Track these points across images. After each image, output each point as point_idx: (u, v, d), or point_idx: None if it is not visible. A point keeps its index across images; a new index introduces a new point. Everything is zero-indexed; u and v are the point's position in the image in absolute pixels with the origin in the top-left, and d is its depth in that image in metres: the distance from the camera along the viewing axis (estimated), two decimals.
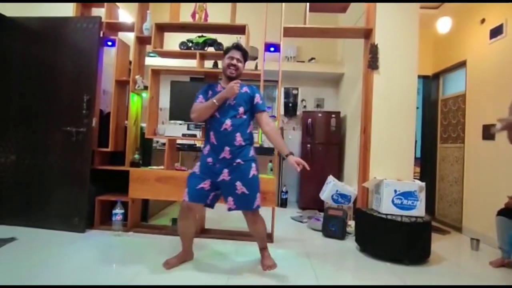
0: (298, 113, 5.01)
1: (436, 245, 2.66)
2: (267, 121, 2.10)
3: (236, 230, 2.91)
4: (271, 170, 2.92)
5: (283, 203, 4.40)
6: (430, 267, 2.37)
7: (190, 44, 3.08)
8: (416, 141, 4.68)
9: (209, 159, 2.03)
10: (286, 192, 4.43)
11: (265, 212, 2.72)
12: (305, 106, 5.05)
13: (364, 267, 2.32)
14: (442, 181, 4.01)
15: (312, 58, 4.93)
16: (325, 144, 4.42)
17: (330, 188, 3.37)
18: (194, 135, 3.29)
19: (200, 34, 3.15)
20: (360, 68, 3.32)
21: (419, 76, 4.37)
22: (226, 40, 3.15)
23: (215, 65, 3.30)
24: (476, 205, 3.28)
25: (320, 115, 4.49)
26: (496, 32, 3.15)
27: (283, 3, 2.97)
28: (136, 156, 2.90)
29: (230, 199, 1.99)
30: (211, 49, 3.05)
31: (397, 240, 2.36)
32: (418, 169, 4.48)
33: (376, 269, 2.27)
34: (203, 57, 3.06)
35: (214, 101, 1.97)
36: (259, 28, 3.01)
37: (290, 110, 5.05)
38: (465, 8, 3.58)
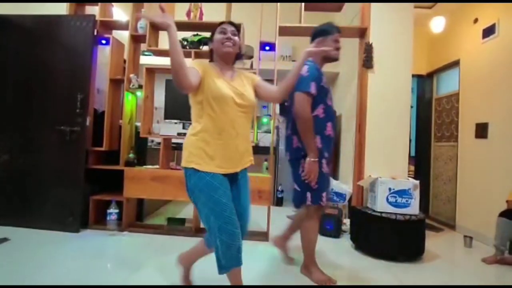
0: None
1: (430, 243, 2.68)
2: None
3: None
4: (267, 169, 2.92)
5: (279, 202, 4.40)
6: (424, 264, 2.39)
7: (185, 43, 3.07)
8: (410, 140, 4.74)
9: (326, 154, 1.89)
10: (282, 191, 4.43)
11: (260, 211, 2.73)
12: None
13: (359, 265, 2.34)
14: (436, 180, 4.05)
15: None
16: None
17: None
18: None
19: (195, 33, 3.15)
20: (355, 67, 3.33)
21: (413, 75, 4.40)
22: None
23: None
24: (469, 203, 3.32)
25: None
26: (488, 31, 3.18)
27: (278, 3, 2.97)
28: (131, 155, 2.88)
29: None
30: (206, 48, 3.04)
31: (391, 237, 2.38)
32: (412, 168, 4.52)
33: (371, 267, 2.29)
34: (198, 56, 3.06)
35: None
36: (255, 27, 3.01)
37: (285, 109, 5.05)
38: (458, 8, 3.62)
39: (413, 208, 2.46)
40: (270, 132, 4.84)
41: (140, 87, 2.94)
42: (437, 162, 4.04)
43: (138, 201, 3.11)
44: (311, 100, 1.79)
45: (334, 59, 1.94)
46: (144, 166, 2.94)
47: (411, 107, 4.76)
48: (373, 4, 2.98)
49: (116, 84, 3.03)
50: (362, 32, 3.06)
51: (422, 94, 4.40)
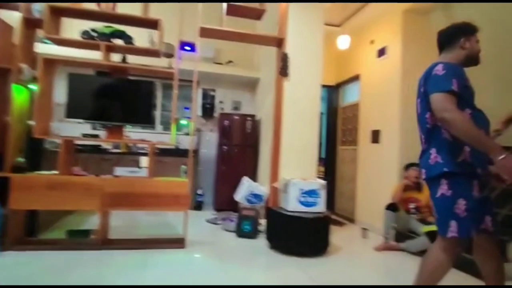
0: (215, 115, 5.02)
1: (334, 237, 3.00)
2: None
3: (145, 238, 2.73)
4: (185, 172, 2.83)
5: (198, 206, 4.33)
6: (329, 257, 2.66)
7: (95, 34, 2.77)
8: (321, 144, 5.22)
9: (479, 170, 1.45)
10: (202, 194, 4.37)
11: (177, 216, 2.63)
12: (222, 108, 5.08)
13: (273, 263, 2.46)
14: (341, 179, 4.56)
15: (230, 61, 5.00)
16: (241, 146, 4.53)
17: (244, 189, 3.47)
18: (96, 136, 2.93)
19: (107, 24, 2.86)
20: (274, 74, 3.51)
21: (325, 86, 4.90)
22: (137, 33, 2.95)
23: (124, 60, 3.03)
24: (366, 199, 3.83)
25: (236, 117, 4.58)
26: (381, 52, 3.74)
27: (200, 3, 2.93)
28: (20, 159, 2.44)
29: (488, 219, 1.48)
30: (119, 41, 2.80)
31: (301, 235, 2.57)
32: (323, 169, 5.00)
33: (283, 264, 2.43)
34: (110, 49, 2.79)
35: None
36: (176, 25, 2.90)
37: (207, 111, 5.01)
38: (360, 29, 4.16)
39: (320, 206, 2.71)
40: (189, 134, 4.75)
41: (34, 79, 2.52)
42: (342, 164, 4.55)
43: (29, 213, 2.65)
44: (455, 99, 1.41)
45: (478, 62, 1.63)
46: (37, 172, 2.53)
47: (323, 114, 5.28)
48: (290, 17, 3.18)
49: (1, 74, 2.53)
50: (279, 42, 3.24)
51: (331, 103, 4.91)
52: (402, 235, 3.00)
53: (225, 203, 4.27)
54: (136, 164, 3.57)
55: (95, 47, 2.69)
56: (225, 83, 5.16)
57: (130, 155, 4.09)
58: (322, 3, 3.26)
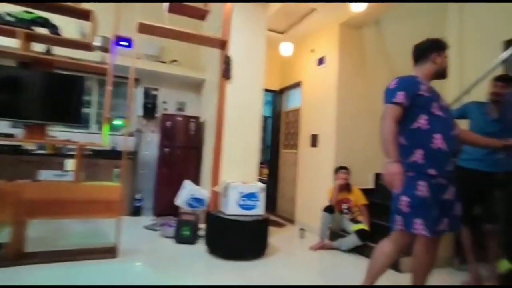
0: (158, 115, 4.79)
1: (274, 238, 3.07)
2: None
3: (71, 249, 2.47)
4: (117, 177, 2.64)
5: (136, 211, 4.08)
6: (267, 258, 2.70)
7: (11, 19, 2.45)
8: (268, 146, 5.32)
9: (432, 171, 1.57)
10: (140, 199, 4.13)
11: (111, 223, 2.45)
12: (166, 109, 4.88)
13: (210, 268, 2.42)
14: (283, 181, 4.70)
15: (175, 60, 4.83)
16: (184, 148, 4.39)
17: (186, 192, 3.36)
18: (11, 135, 2.56)
19: (27, 9, 2.56)
20: (218, 75, 3.48)
21: (270, 91, 5.02)
22: (64, 23, 2.68)
23: (48, 51, 2.73)
24: (304, 200, 4.00)
25: (180, 118, 4.44)
26: (321, 61, 3.95)
27: None
28: None
29: (445, 220, 1.59)
30: (41, 30, 2.52)
31: (240, 238, 2.57)
32: (267, 171, 5.10)
33: (221, 269, 2.40)
34: (31, 38, 2.49)
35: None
36: (112, 18, 2.70)
37: (149, 111, 4.77)
38: (302, 37, 4.34)
39: (260, 209, 2.74)
40: (123, 135, 4.47)
41: None
42: (284, 166, 4.70)
43: None
44: (397, 109, 1.61)
45: (445, 77, 1.77)
46: None
47: (269, 117, 5.40)
48: (233, 19, 3.18)
49: None
50: (223, 44, 3.22)
51: (275, 108, 5.04)
52: (336, 234, 3.19)
53: (165, 208, 4.08)
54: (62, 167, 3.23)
55: (11, 34, 2.37)
56: (169, 83, 4.97)
57: (58, 157, 3.68)
58: (265, 8, 3.33)
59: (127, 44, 2.83)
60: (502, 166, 2.19)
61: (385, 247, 1.69)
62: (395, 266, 2.53)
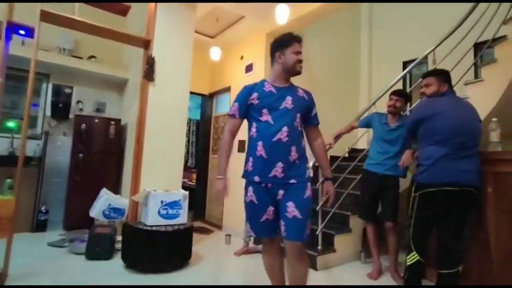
0: (71, 116, 4.27)
1: (199, 246, 2.97)
2: (316, 135, 1.80)
3: None
4: (10, 188, 2.25)
5: (41, 226, 3.54)
6: (189, 268, 2.60)
7: None
8: (197, 151, 5.18)
9: (256, 178, 1.61)
10: (46, 211, 3.60)
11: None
12: (81, 109, 4.38)
13: (127, 285, 2.22)
14: (212, 186, 4.63)
15: (93, 56, 4.38)
16: (102, 154, 3.99)
17: (101, 202, 3.06)
18: None
19: None
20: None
21: (198, 94, 4.92)
22: None
23: None
24: (231, 205, 4.00)
25: (97, 120, 4.02)
26: (249, 68, 4.03)
27: None
28: None
29: (282, 223, 1.58)
30: None
31: (160, 249, 2.42)
32: (195, 176, 4.97)
33: (139, 284, 2.22)
34: None
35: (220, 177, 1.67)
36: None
37: (60, 111, 4.21)
38: (232, 43, 4.37)
39: (183, 218, 2.63)
40: (36, 138, 3.88)
41: None
42: (213, 171, 4.63)
43: None
44: (233, 121, 1.71)
45: (297, 72, 1.67)
46: None
47: (197, 121, 5.28)
48: (158, 18, 3.02)
49: None
50: (146, 44, 3.03)
51: (204, 112, 4.95)
52: None
53: (79, 220, 3.62)
54: None
55: None
56: (86, 81, 4.48)
57: None
58: (192, 9, 3.25)
59: (24, 33, 2.43)
60: (396, 171, 2.53)
61: (264, 259, 1.75)
62: (313, 265, 2.69)
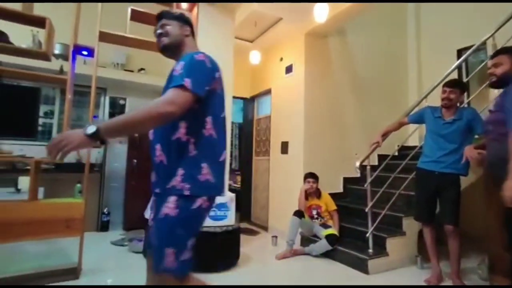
0: None
1: (246, 247, 3.03)
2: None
3: (26, 274, 2.30)
4: (80, 192, 2.51)
5: (104, 227, 3.89)
6: (239, 269, 2.66)
7: None
8: (238, 154, 5.29)
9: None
10: (108, 213, 3.95)
11: (72, 242, 2.33)
12: None
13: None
14: (256, 189, 4.69)
15: (142, 69, 4.72)
16: None
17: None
18: None
19: None
20: None
21: (240, 98, 5.02)
22: (15, 30, 2.53)
23: None
24: (277, 207, 4.01)
25: None
26: (289, 69, 4.02)
27: (99, 3, 2.69)
28: None
29: None
30: None
31: (210, 250, 2.51)
32: (240, 179, 5.08)
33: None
34: None
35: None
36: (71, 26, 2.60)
37: None
38: (271, 46, 4.40)
39: (230, 219, 2.71)
40: (97, 147, 4.28)
41: None
42: (257, 174, 4.69)
43: None
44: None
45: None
46: None
47: (240, 124, 5.39)
48: (199, 27, 3.16)
49: None
50: None
51: (247, 115, 5.04)
52: (307, 240, 3.22)
53: (136, 221, 3.92)
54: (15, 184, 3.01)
55: None
56: (137, 92, 4.83)
57: (11, 173, 3.42)
58: (232, 14, 3.34)
59: (86, 53, 2.71)
60: (456, 169, 2.32)
61: None
62: (364, 269, 2.59)
